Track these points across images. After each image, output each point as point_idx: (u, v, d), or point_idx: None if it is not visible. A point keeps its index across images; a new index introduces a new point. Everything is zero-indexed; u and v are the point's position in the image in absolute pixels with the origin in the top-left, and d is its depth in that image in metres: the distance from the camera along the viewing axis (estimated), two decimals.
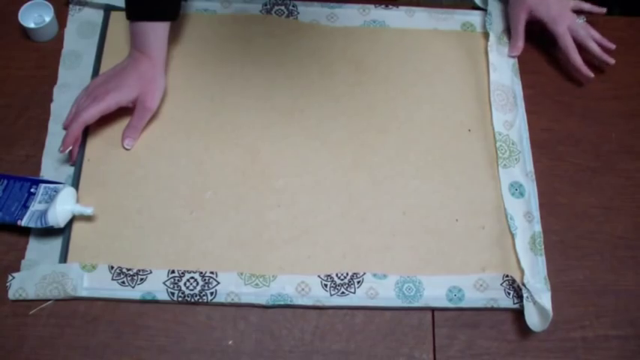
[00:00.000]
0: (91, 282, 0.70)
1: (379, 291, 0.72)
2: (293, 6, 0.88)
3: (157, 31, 0.76)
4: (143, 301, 0.70)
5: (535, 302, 0.71)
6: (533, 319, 0.70)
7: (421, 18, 0.90)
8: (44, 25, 0.82)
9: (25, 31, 0.83)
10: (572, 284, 0.75)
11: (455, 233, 0.76)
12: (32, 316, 0.69)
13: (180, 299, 0.70)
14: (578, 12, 0.87)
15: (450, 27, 0.90)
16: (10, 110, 0.79)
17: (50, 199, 0.71)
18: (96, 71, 0.81)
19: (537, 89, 0.86)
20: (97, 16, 0.86)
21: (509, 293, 0.73)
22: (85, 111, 0.73)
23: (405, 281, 0.73)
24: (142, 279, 0.71)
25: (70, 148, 0.73)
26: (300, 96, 0.83)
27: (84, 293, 0.70)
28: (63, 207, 0.70)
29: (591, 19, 0.88)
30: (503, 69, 0.86)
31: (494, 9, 0.90)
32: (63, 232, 0.72)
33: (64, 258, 0.71)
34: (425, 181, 0.79)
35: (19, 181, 0.72)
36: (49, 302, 0.70)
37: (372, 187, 0.78)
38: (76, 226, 0.73)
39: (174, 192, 0.76)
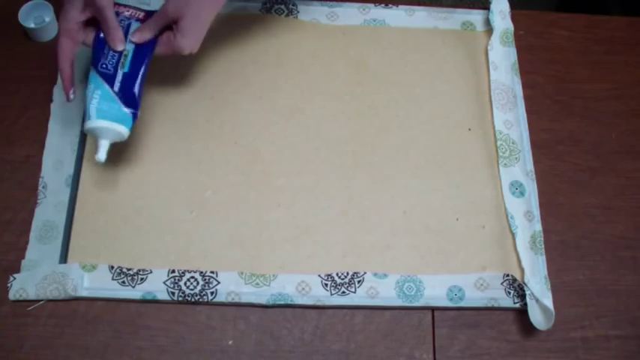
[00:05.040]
0: (92, 282, 0.70)
1: (380, 290, 0.72)
2: (293, 5, 0.88)
3: None
4: (143, 301, 0.70)
5: (537, 300, 0.71)
6: (538, 318, 0.71)
7: (421, 17, 0.90)
8: (44, 25, 0.82)
9: (25, 31, 0.83)
10: (572, 284, 0.75)
11: (455, 232, 0.76)
12: (32, 316, 0.69)
13: (180, 299, 0.70)
14: None
15: (450, 26, 0.90)
16: (10, 110, 0.79)
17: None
18: None
19: (537, 89, 0.86)
20: None
21: (509, 292, 0.73)
22: (58, 49, 0.68)
23: (405, 280, 0.73)
24: (142, 279, 0.71)
25: (73, 89, 0.70)
26: (300, 95, 0.83)
27: (84, 293, 0.70)
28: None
29: (589, 20, 0.89)
30: (503, 68, 0.86)
31: (497, 6, 0.89)
32: (63, 232, 0.72)
33: (64, 258, 0.71)
34: (425, 180, 0.79)
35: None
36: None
37: (373, 187, 0.78)
38: (76, 226, 0.73)
39: (174, 192, 0.76)
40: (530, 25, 0.90)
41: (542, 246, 0.76)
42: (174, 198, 0.75)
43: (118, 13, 0.70)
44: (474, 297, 0.73)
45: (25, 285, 0.70)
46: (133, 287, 0.71)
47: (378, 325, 0.72)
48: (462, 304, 0.72)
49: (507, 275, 0.74)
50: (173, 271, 0.72)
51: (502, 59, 0.87)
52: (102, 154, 0.68)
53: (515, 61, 0.87)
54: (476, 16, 0.91)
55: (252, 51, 0.85)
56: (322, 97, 0.83)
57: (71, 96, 0.70)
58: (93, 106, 0.67)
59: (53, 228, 0.73)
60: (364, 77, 0.85)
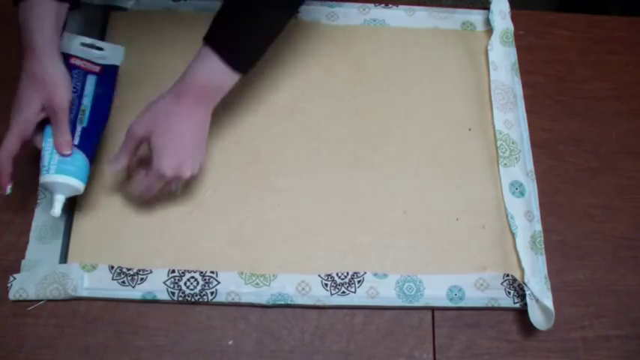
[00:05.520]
0: (92, 282, 0.70)
1: (380, 290, 0.72)
2: None
3: (41, 10, 0.64)
4: (143, 301, 0.70)
5: (537, 300, 0.71)
6: (538, 318, 0.71)
7: (421, 17, 0.90)
8: None
9: None
10: (572, 284, 0.75)
11: (455, 232, 0.76)
12: (32, 316, 0.69)
13: (180, 299, 0.70)
14: None
15: (450, 26, 0.90)
16: (10, 110, 0.79)
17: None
18: None
19: (537, 89, 0.86)
20: (97, 15, 0.85)
21: (509, 292, 0.73)
22: (3, 144, 0.65)
23: (405, 280, 0.73)
24: (142, 279, 0.71)
25: (10, 184, 0.66)
26: (300, 95, 0.83)
27: (84, 293, 0.70)
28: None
29: (589, 20, 0.89)
30: (503, 68, 0.86)
31: (497, 6, 0.89)
32: (63, 232, 0.72)
33: (64, 258, 0.71)
34: (425, 180, 0.79)
35: None
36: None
37: (373, 187, 0.78)
38: (76, 226, 0.73)
39: (174, 191, 0.76)
40: (530, 25, 0.90)
41: (542, 246, 0.76)
42: (174, 198, 0.75)
43: (74, 66, 0.70)
44: (474, 297, 0.73)
45: (25, 285, 0.70)
46: (133, 287, 0.70)
47: (378, 325, 0.72)
48: (462, 304, 0.72)
49: (507, 275, 0.74)
50: (173, 271, 0.72)
51: (502, 59, 0.87)
52: (58, 210, 0.67)
53: (515, 61, 0.87)
54: (476, 16, 0.91)
55: None
56: (322, 97, 0.83)
57: (8, 190, 0.67)
58: (54, 160, 0.67)
59: (53, 228, 0.73)
60: (364, 77, 0.84)
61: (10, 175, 0.66)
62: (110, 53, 0.74)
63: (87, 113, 0.71)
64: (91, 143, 0.70)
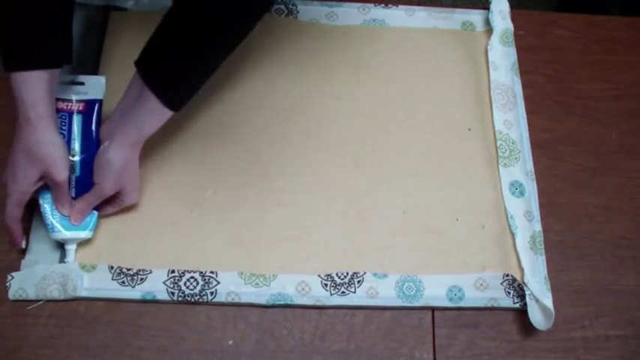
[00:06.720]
0: (91, 282, 0.70)
1: (379, 290, 0.72)
2: (293, 5, 0.88)
3: (33, 83, 0.63)
4: (143, 301, 0.70)
5: (537, 300, 0.71)
6: (537, 318, 0.71)
7: (421, 17, 0.90)
8: None
9: None
10: (572, 284, 0.75)
11: (455, 232, 0.76)
12: (32, 316, 0.69)
13: (180, 299, 0.70)
14: None
15: (450, 26, 0.90)
16: (10, 110, 0.79)
17: None
18: (95, 71, 0.81)
19: (537, 89, 0.86)
20: (97, 15, 0.85)
21: (509, 293, 0.73)
22: (6, 212, 0.68)
23: (405, 280, 0.73)
24: (142, 279, 0.71)
25: (24, 239, 0.71)
26: (300, 95, 0.83)
27: (84, 293, 0.70)
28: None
29: (589, 20, 0.89)
30: (503, 68, 0.86)
31: (497, 6, 0.89)
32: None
33: (64, 258, 0.71)
34: (425, 180, 0.79)
35: None
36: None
37: (372, 187, 0.78)
38: None
39: (173, 191, 0.76)
40: (530, 25, 0.91)
41: (542, 246, 0.76)
42: (174, 198, 0.75)
43: (58, 110, 0.69)
44: (474, 297, 0.73)
45: (24, 285, 0.69)
46: (133, 287, 0.70)
47: (378, 325, 0.72)
48: (462, 304, 0.72)
49: (507, 275, 0.74)
50: (173, 271, 0.72)
51: (502, 59, 0.87)
52: (71, 258, 0.71)
53: (515, 61, 0.87)
54: (476, 16, 0.91)
55: (252, 51, 0.84)
56: (322, 97, 0.83)
57: (22, 245, 0.71)
58: (56, 218, 0.69)
59: None
60: (364, 77, 0.85)
61: (22, 231, 0.70)
62: (91, 87, 0.72)
63: (78, 159, 0.70)
64: (88, 190, 0.70)
